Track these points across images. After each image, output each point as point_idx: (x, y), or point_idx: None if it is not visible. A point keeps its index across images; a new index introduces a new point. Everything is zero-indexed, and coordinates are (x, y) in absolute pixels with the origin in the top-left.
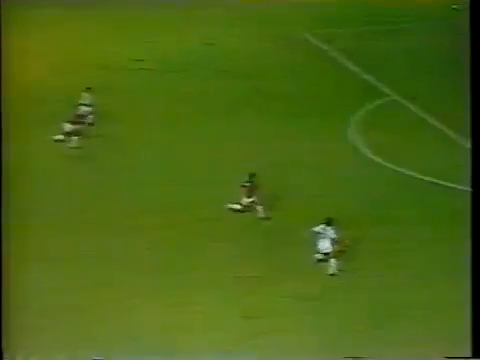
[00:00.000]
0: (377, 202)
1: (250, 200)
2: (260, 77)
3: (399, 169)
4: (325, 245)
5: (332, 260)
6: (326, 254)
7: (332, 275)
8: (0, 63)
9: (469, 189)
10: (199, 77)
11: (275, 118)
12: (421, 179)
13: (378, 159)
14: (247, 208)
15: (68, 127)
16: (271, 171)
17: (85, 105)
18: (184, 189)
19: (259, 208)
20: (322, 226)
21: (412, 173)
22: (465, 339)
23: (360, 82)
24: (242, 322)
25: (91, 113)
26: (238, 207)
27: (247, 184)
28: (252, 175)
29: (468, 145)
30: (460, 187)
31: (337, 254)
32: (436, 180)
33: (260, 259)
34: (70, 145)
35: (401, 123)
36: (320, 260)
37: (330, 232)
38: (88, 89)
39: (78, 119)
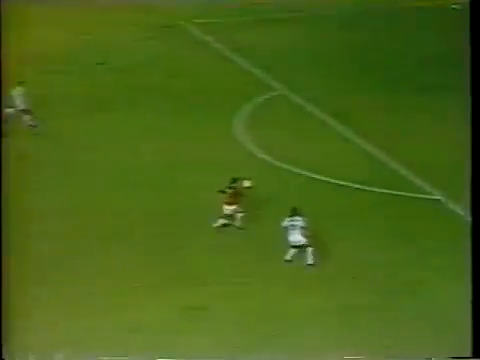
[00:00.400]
0: (271, 201)
1: (232, 208)
2: (137, 70)
3: (288, 167)
4: (296, 238)
5: (309, 249)
6: (300, 246)
7: (310, 265)
8: None
9: (367, 188)
10: (73, 70)
11: (154, 114)
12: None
13: (267, 157)
14: (230, 218)
15: None
16: (152, 172)
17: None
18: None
19: (239, 216)
20: (289, 218)
21: (303, 171)
22: (465, 339)
23: (246, 76)
24: (126, 335)
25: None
26: (223, 221)
27: (228, 190)
28: (234, 180)
29: (362, 144)
30: (353, 185)
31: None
32: (327, 178)
33: (153, 267)
34: None
35: (289, 118)
36: (289, 260)
37: (299, 222)
38: (21, 83)
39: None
